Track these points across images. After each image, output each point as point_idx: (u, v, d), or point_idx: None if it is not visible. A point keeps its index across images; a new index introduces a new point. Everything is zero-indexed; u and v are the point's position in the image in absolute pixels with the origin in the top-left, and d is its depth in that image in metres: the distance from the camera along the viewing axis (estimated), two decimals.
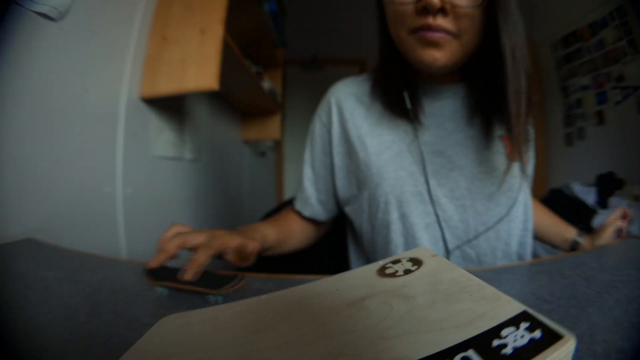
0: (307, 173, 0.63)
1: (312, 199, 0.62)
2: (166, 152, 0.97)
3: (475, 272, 0.22)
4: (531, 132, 0.53)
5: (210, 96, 1.32)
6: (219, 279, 0.33)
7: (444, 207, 0.51)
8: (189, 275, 0.33)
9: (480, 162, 0.52)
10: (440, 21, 0.42)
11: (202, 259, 0.35)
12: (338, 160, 0.59)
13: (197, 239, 0.38)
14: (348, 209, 0.60)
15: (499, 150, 0.52)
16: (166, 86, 0.85)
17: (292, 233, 0.62)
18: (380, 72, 0.57)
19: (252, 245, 0.42)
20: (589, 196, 1.82)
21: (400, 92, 0.53)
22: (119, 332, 0.26)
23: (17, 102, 0.52)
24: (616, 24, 1.80)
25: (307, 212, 0.62)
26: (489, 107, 0.51)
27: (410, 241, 0.51)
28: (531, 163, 0.57)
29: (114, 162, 0.76)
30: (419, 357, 0.15)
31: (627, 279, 0.34)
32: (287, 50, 1.95)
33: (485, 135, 0.52)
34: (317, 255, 0.69)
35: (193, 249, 0.37)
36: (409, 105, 0.52)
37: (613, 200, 1.73)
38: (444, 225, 0.51)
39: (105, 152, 0.73)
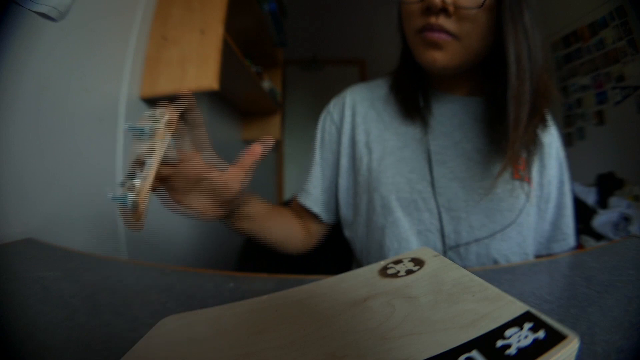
0: (316, 172, 0.61)
1: (318, 198, 0.61)
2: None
3: (476, 272, 0.22)
4: (540, 145, 0.51)
5: (210, 96, 1.32)
6: None
7: (439, 216, 0.51)
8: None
9: (482, 177, 0.50)
10: (442, 21, 0.42)
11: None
12: (344, 162, 0.59)
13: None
14: (344, 212, 0.60)
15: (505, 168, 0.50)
16: (166, 86, 0.85)
17: (283, 219, 0.58)
18: (397, 74, 0.58)
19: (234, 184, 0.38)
20: (589, 196, 1.82)
21: (414, 92, 0.54)
22: (119, 332, 0.26)
23: (17, 102, 0.52)
24: (616, 24, 1.80)
25: (316, 209, 0.60)
26: (493, 117, 0.50)
27: (404, 245, 0.51)
28: (551, 182, 0.54)
29: (114, 162, 0.75)
30: (423, 358, 0.15)
31: (627, 279, 0.34)
32: (287, 50, 1.95)
33: (494, 149, 0.50)
34: (318, 255, 0.69)
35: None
36: (421, 103, 0.53)
37: (613, 200, 1.73)
38: (436, 234, 0.51)
39: (105, 152, 0.73)
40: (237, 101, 1.58)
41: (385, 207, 0.52)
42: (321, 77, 2.95)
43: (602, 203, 1.77)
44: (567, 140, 2.22)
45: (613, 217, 1.63)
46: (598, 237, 1.61)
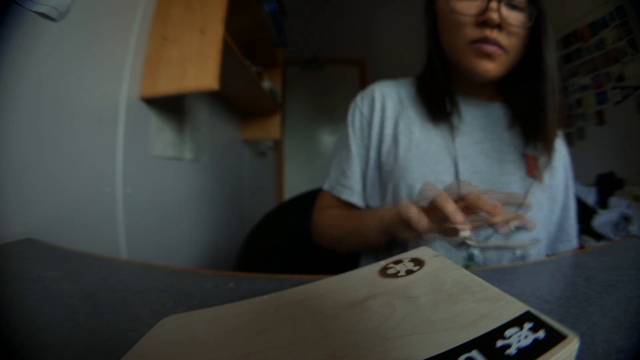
0: (356, 167, 0.61)
1: (360, 193, 0.61)
2: (166, 152, 0.97)
3: (475, 272, 0.22)
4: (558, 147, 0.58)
5: (210, 96, 1.32)
6: None
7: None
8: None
9: (502, 173, 0.55)
10: (497, 35, 0.48)
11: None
12: (373, 154, 0.61)
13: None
14: (371, 203, 0.61)
15: (521, 167, 0.56)
16: (166, 86, 0.85)
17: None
18: (425, 77, 0.61)
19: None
20: (589, 196, 1.82)
21: (442, 96, 0.57)
22: (119, 332, 0.26)
23: (17, 102, 0.52)
24: (616, 24, 1.80)
25: (361, 205, 0.61)
26: (523, 124, 0.56)
27: None
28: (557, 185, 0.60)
29: (114, 162, 0.75)
30: (423, 358, 0.15)
31: (627, 279, 0.34)
32: (287, 50, 1.95)
33: (511, 150, 0.56)
34: (318, 255, 0.69)
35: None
36: (449, 108, 0.56)
37: (613, 200, 1.73)
38: None
39: (105, 152, 0.73)
40: (237, 101, 1.58)
41: (411, 196, 0.54)
42: (321, 77, 2.95)
43: (602, 203, 1.77)
44: (567, 140, 2.22)
45: (613, 217, 1.63)
46: (598, 237, 1.61)
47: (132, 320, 0.28)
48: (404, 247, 0.48)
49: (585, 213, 1.69)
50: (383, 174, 0.59)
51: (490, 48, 0.49)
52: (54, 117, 0.59)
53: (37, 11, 0.53)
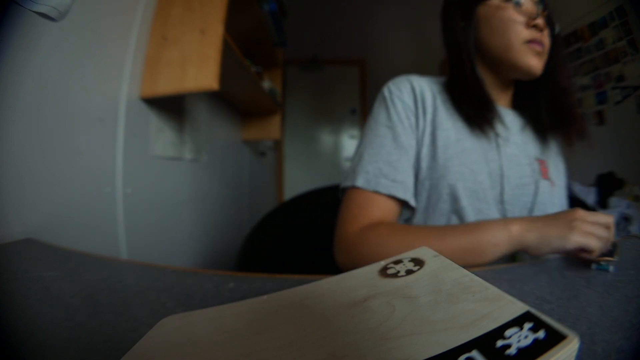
0: (405, 160, 0.56)
1: (411, 187, 0.56)
2: (166, 152, 0.97)
3: (475, 272, 0.22)
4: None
5: (210, 96, 1.32)
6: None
7: (492, 208, 0.56)
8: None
9: (522, 175, 0.58)
10: (544, 38, 0.56)
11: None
12: (424, 150, 0.58)
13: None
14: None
15: (536, 169, 0.59)
16: (166, 86, 0.85)
17: None
18: (456, 83, 0.61)
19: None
20: (589, 196, 1.82)
21: (484, 102, 0.59)
22: (119, 332, 0.26)
23: (17, 102, 0.52)
24: (616, 24, 1.80)
25: (413, 201, 0.56)
26: (540, 130, 0.62)
27: None
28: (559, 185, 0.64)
29: (114, 162, 0.75)
30: (423, 358, 0.15)
31: (627, 279, 0.34)
32: (287, 50, 1.95)
33: (527, 155, 0.60)
34: (319, 255, 0.69)
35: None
36: (490, 116, 0.59)
37: (613, 200, 1.73)
38: None
39: (105, 152, 0.73)
40: (237, 101, 1.58)
41: (452, 195, 0.54)
42: (321, 77, 2.95)
43: (602, 203, 1.77)
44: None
45: (613, 217, 1.63)
46: None
47: (132, 320, 0.28)
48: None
49: None
50: (422, 169, 0.56)
51: (541, 48, 0.56)
52: (54, 117, 0.59)
53: (37, 11, 0.53)
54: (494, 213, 0.56)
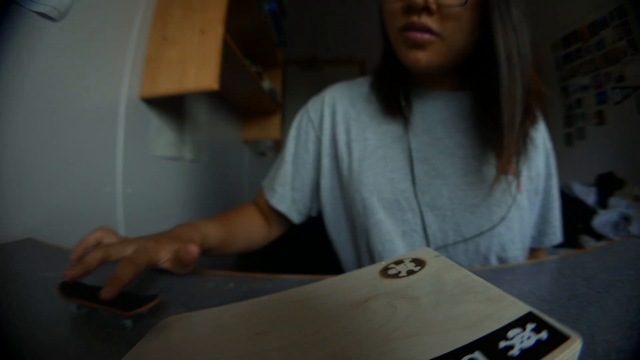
0: (287, 169, 0.60)
1: (288, 196, 0.59)
2: (166, 152, 0.97)
3: (475, 272, 0.22)
4: (532, 143, 0.51)
5: (210, 96, 1.31)
6: (135, 299, 0.28)
7: (423, 215, 0.50)
8: (108, 294, 0.27)
9: (466, 172, 0.50)
10: (425, 20, 0.41)
11: (125, 276, 0.29)
12: (326, 162, 0.58)
13: (123, 252, 0.33)
14: (330, 213, 0.59)
15: (490, 161, 0.49)
16: (166, 86, 0.85)
17: (241, 232, 0.57)
18: (378, 72, 0.57)
19: (191, 250, 0.35)
20: (589, 196, 1.82)
21: (394, 90, 0.53)
22: (120, 332, 0.26)
23: (17, 102, 0.52)
24: (616, 24, 1.80)
25: (283, 208, 0.59)
26: (483, 115, 0.49)
27: (388, 247, 0.50)
28: (538, 177, 0.55)
29: (114, 162, 0.75)
30: None
31: (627, 279, 0.34)
32: (287, 50, 1.95)
33: (477, 144, 0.50)
34: (319, 255, 0.69)
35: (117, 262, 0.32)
36: (403, 102, 0.52)
37: (613, 200, 1.73)
38: (421, 234, 0.50)
39: (105, 152, 0.73)
40: (237, 101, 1.58)
41: (366, 209, 0.51)
42: (321, 77, 2.95)
43: (602, 203, 1.77)
44: (567, 140, 2.22)
45: (613, 217, 1.63)
46: (598, 237, 1.61)
47: (133, 320, 0.28)
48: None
49: (585, 213, 1.69)
50: (343, 184, 0.56)
51: (417, 35, 0.42)
52: (54, 117, 0.59)
53: (37, 11, 0.53)
54: (430, 219, 0.49)
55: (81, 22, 0.64)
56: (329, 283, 0.26)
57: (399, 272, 0.25)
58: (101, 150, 0.72)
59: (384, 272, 0.25)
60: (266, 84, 1.57)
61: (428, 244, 0.50)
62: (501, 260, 0.51)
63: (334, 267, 0.62)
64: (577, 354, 0.14)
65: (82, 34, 0.65)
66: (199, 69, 0.85)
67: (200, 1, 0.88)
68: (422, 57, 0.44)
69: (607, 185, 1.81)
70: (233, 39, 0.98)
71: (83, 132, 0.67)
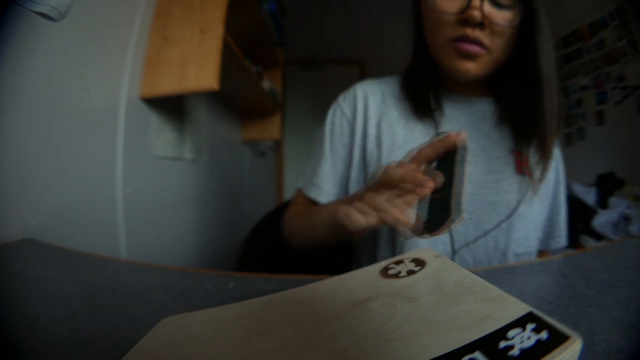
0: (327, 166, 0.61)
1: (330, 192, 0.60)
2: (166, 152, 0.97)
3: (476, 273, 0.22)
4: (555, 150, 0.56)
5: (210, 96, 1.31)
6: None
7: None
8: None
9: (488, 172, 0.53)
10: (478, 34, 0.46)
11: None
12: (357, 154, 0.59)
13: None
14: None
15: (509, 163, 0.53)
16: (166, 86, 0.85)
17: None
18: (410, 73, 0.60)
19: None
20: (589, 196, 1.82)
21: (426, 92, 0.56)
22: (119, 332, 0.26)
23: (17, 102, 0.52)
24: (616, 24, 1.80)
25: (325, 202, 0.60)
26: (513, 123, 0.53)
27: (410, 242, 0.52)
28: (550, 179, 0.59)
29: (114, 162, 0.75)
30: None
31: (627, 279, 0.34)
32: (287, 50, 1.95)
33: (497, 147, 0.54)
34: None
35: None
36: (433, 105, 0.55)
37: (613, 200, 1.73)
38: None
39: (105, 152, 0.73)
40: (237, 101, 1.58)
41: None
42: (321, 77, 2.95)
43: (602, 203, 1.77)
44: (567, 140, 2.22)
45: (613, 217, 1.63)
46: (598, 237, 1.61)
47: (132, 320, 0.28)
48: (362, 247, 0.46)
49: (585, 213, 1.70)
50: (368, 175, 0.57)
51: (470, 47, 0.46)
52: (54, 117, 0.59)
53: (37, 11, 0.53)
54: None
55: (81, 22, 0.64)
56: (329, 283, 0.26)
57: (399, 272, 0.25)
58: (101, 150, 0.72)
59: (384, 272, 0.25)
60: (266, 84, 1.57)
61: (451, 239, 0.52)
62: (517, 257, 0.53)
63: (335, 267, 0.62)
64: (577, 354, 0.14)
65: (82, 34, 0.65)
66: (199, 69, 0.85)
67: (200, 1, 0.88)
68: (472, 68, 0.49)
69: (607, 185, 1.82)
70: (233, 39, 0.98)
71: (83, 132, 0.67)
